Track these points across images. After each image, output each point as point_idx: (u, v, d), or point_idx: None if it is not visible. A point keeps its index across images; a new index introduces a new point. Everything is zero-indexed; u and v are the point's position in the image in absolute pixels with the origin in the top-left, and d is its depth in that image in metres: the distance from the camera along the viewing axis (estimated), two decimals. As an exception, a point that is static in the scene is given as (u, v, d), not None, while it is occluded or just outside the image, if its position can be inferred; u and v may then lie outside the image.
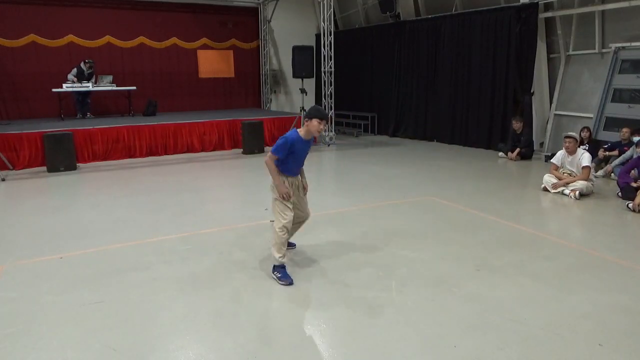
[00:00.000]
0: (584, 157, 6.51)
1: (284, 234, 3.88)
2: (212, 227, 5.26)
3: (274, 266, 3.94)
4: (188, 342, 2.99)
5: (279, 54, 14.66)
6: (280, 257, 3.88)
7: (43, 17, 11.47)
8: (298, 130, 3.94)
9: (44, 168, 8.54)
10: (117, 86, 11.49)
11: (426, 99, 12.17)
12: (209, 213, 5.92)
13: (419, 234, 5.03)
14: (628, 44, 8.52)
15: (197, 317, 3.30)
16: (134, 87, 11.77)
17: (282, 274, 3.89)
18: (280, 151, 3.81)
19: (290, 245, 4.48)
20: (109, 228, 5.31)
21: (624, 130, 7.79)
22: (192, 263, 4.26)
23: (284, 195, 3.83)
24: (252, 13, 14.21)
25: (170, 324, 3.21)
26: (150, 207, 6.18)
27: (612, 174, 7.50)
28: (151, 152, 10.07)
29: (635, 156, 6.79)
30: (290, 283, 3.83)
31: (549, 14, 9.63)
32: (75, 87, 10.84)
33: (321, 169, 9.06)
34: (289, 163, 3.92)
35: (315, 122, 3.84)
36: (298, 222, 4.19)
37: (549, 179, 6.74)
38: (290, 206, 3.92)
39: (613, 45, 8.73)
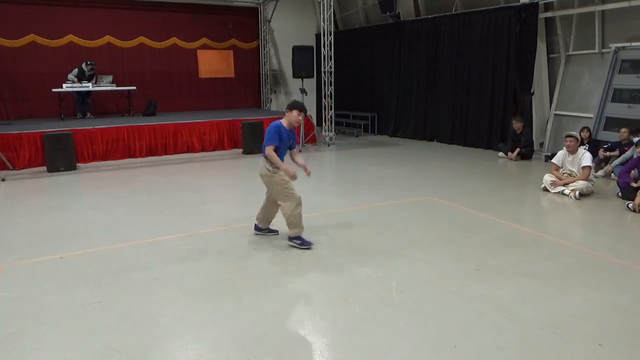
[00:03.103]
0: (585, 157, 6.51)
1: (299, 209, 4.32)
2: (212, 227, 5.26)
3: (291, 238, 4.39)
4: (188, 342, 2.99)
5: (279, 54, 14.65)
6: (300, 230, 4.33)
7: (43, 17, 11.46)
8: (281, 120, 4.41)
9: (44, 168, 8.54)
10: (117, 86, 11.49)
11: (426, 99, 12.15)
12: (209, 213, 5.92)
13: (418, 234, 5.03)
14: (628, 44, 8.51)
15: (197, 317, 3.30)
16: (134, 87, 11.76)
17: (301, 240, 4.35)
18: (274, 139, 4.26)
19: (272, 231, 4.86)
20: (108, 228, 5.31)
21: (622, 130, 7.78)
22: (192, 263, 4.26)
23: (294, 176, 4.27)
24: (252, 13, 14.21)
25: (170, 324, 3.21)
26: (150, 207, 6.18)
27: (612, 174, 7.49)
28: (151, 152, 10.07)
29: (635, 156, 6.79)
30: (311, 244, 4.36)
31: (549, 14, 9.62)
32: (75, 87, 10.83)
33: (321, 169, 9.05)
34: (280, 151, 4.35)
35: (295, 112, 4.33)
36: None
37: (549, 179, 6.73)
38: (294, 186, 4.37)
39: (613, 45, 8.72)
